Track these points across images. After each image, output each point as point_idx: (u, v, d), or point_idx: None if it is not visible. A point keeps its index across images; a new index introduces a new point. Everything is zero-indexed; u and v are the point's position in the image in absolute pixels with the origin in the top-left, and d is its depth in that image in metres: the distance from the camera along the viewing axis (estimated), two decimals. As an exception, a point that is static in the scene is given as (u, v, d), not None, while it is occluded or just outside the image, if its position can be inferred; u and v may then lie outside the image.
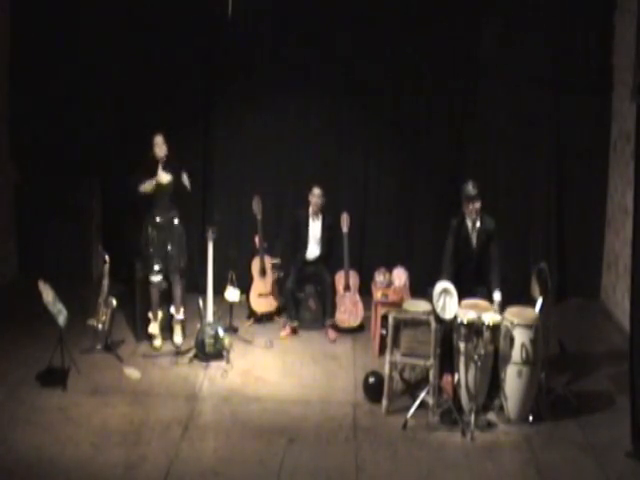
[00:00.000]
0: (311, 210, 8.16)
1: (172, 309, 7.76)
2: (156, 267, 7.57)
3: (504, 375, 6.44)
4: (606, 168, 8.98)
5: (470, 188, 6.92)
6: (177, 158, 7.55)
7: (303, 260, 8.22)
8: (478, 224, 7.02)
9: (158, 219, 7.55)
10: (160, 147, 7.43)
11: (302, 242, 8.21)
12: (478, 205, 6.94)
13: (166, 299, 7.78)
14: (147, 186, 7.40)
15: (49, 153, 9.03)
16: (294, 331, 8.14)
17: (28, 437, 6.03)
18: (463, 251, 7.01)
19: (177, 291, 7.71)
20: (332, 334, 8.08)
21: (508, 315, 6.49)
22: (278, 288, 8.38)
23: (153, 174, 7.40)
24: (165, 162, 7.46)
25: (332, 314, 8.14)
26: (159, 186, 7.45)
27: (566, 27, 8.73)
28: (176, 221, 7.62)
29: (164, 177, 7.42)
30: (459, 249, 7.02)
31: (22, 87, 8.99)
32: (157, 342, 7.66)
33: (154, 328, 7.70)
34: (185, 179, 7.50)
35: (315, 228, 8.20)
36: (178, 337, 7.72)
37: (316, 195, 8.11)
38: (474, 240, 7.05)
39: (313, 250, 8.22)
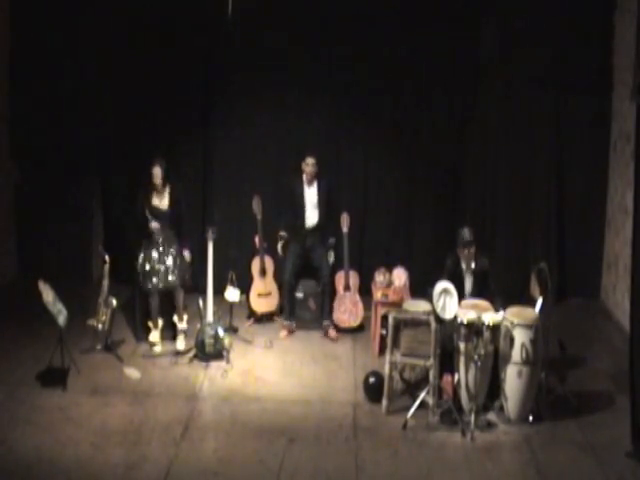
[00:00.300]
0: (305, 178, 8.10)
1: (175, 318, 7.76)
2: (154, 280, 7.58)
3: (504, 375, 6.44)
4: (606, 168, 8.98)
5: (466, 234, 7.06)
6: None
7: (303, 227, 8.11)
8: (473, 265, 7.11)
9: (158, 239, 7.58)
10: (157, 177, 7.55)
11: (300, 210, 8.10)
12: (473, 250, 7.07)
13: (165, 306, 7.77)
14: (154, 225, 7.54)
15: (49, 153, 9.03)
16: (290, 331, 8.13)
17: (28, 437, 6.03)
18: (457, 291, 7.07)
19: (179, 300, 7.72)
20: (332, 333, 8.07)
21: (508, 315, 6.49)
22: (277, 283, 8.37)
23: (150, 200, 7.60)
24: (163, 187, 7.60)
25: (329, 314, 8.13)
26: (157, 209, 7.56)
27: (566, 27, 8.72)
28: (175, 241, 7.66)
29: (161, 202, 7.60)
30: None
31: (22, 87, 8.98)
32: (157, 349, 7.65)
33: (154, 336, 7.70)
34: (187, 255, 7.72)
35: (311, 194, 8.11)
36: (181, 344, 7.70)
37: (310, 164, 8.03)
38: (468, 281, 7.12)
39: (312, 217, 8.13)
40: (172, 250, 7.62)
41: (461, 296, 6.92)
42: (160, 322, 7.73)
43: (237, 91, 8.91)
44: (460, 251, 7.08)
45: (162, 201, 7.60)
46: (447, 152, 9.05)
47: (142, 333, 7.77)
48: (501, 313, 6.81)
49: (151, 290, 7.61)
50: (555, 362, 6.82)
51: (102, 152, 9.10)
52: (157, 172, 7.52)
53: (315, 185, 8.12)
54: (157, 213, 7.57)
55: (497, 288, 7.16)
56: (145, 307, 7.75)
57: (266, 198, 8.47)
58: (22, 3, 8.91)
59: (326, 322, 8.13)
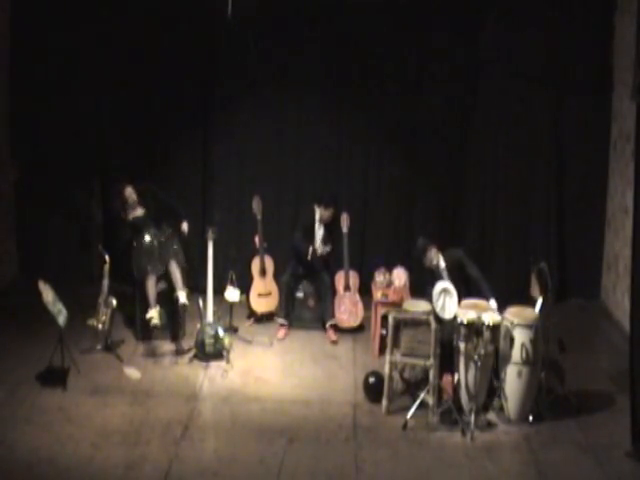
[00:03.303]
0: (318, 218, 8.16)
1: (177, 294, 7.61)
2: (149, 268, 7.60)
3: (504, 375, 6.44)
4: (606, 168, 8.97)
5: (420, 241, 7.27)
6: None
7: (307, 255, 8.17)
8: (442, 264, 7.15)
9: (148, 236, 7.69)
10: (131, 196, 7.69)
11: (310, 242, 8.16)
12: (434, 251, 7.17)
13: (164, 299, 7.75)
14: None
15: (49, 153, 9.03)
16: (287, 331, 8.10)
17: (28, 437, 6.04)
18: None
19: (176, 275, 7.64)
20: (333, 335, 8.05)
21: (508, 315, 6.50)
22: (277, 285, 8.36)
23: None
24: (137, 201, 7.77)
25: (332, 315, 8.12)
26: (137, 218, 7.72)
27: (566, 27, 8.72)
28: (167, 233, 7.76)
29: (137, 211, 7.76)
30: None
31: (22, 87, 8.98)
32: (156, 321, 7.45)
33: (152, 312, 7.48)
34: (185, 227, 7.81)
35: (321, 231, 8.20)
36: (182, 296, 7.59)
37: (326, 215, 8.12)
38: (446, 278, 7.05)
39: (318, 248, 8.17)
40: (162, 237, 7.72)
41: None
42: (157, 307, 7.56)
43: (237, 91, 8.90)
44: (426, 260, 7.15)
45: (137, 210, 7.73)
46: (447, 152, 9.05)
47: (142, 326, 7.71)
48: (492, 301, 6.84)
49: (147, 271, 7.60)
50: (555, 362, 6.85)
51: (102, 152, 9.10)
52: (130, 192, 7.67)
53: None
54: (137, 222, 7.70)
55: (480, 274, 7.17)
56: (146, 306, 7.71)
57: (267, 198, 8.48)
58: (22, 3, 8.90)
59: (330, 321, 8.10)
